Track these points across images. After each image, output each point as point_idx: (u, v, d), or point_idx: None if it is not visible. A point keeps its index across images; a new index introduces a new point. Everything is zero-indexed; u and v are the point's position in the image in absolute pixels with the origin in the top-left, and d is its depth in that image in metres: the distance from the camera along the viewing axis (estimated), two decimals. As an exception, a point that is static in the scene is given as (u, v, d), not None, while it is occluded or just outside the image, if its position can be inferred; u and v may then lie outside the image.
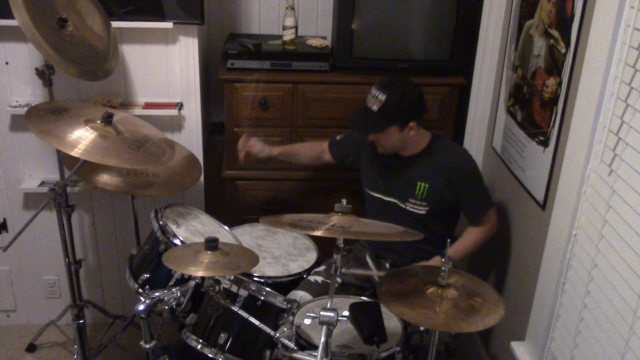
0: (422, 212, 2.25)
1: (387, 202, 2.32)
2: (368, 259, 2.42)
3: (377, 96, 2.12)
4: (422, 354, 2.05)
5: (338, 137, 2.52)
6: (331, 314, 1.63)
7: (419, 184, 2.24)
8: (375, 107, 2.12)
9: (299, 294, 2.17)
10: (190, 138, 2.67)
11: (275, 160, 2.70)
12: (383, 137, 2.21)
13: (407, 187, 2.26)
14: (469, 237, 2.29)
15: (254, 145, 2.51)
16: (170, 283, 2.11)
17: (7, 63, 2.50)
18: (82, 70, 2.14)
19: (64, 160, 2.38)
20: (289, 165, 2.76)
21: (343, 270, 2.26)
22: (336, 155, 2.53)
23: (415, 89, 2.18)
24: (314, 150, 2.57)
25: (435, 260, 2.21)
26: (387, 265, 2.38)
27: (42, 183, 2.67)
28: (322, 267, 2.32)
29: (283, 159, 2.61)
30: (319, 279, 2.24)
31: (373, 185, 2.37)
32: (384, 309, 1.84)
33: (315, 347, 1.77)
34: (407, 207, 2.27)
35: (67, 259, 2.36)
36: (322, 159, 2.57)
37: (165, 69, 2.58)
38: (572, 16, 1.90)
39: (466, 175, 2.25)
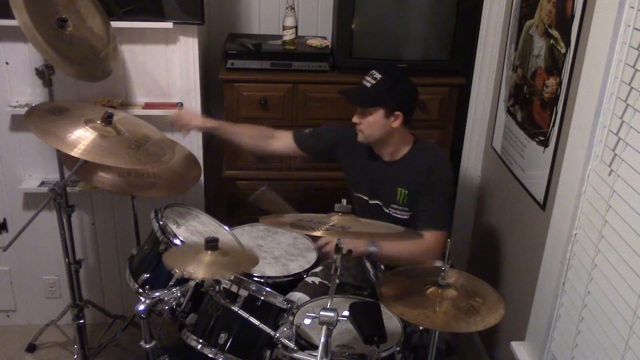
0: (405, 217, 2.24)
1: (372, 204, 2.31)
2: (364, 259, 2.41)
3: (373, 75, 2.15)
4: (422, 353, 2.05)
5: (307, 130, 2.46)
6: (331, 314, 1.63)
7: (399, 190, 2.23)
8: (368, 84, 2.15)
9: (297, 296, 2.17)
10: (190, 138, 2.67)
11: (279, 159, 2.70)
12: (367, 120, 2.17)
13: (389, 192, 2.25)
14: (405, 242, 2.11)
15: (183, 115, 2.39)
16: (170, 283, 2.11)
17: (7, 63, 2.50)
18: (82, 71, 2.14)
19: (64, 160, 2.38)
20: (289, 165, 2.76)
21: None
22: (307, 148, 2.44)
23: (410, 84, 2.20)
24: (259, 134, 2.44)
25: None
26: (382, 265, 2.37)
27: (42, 183, 2.67)
28: (319, 268, 2.31)
29: (221, 135, 2.43)
30: (316, 280, 2.24)
31: (358, 188, 2.36)
32: (384, 309, 1.83)
33: (315, 347, 1.77)
34: (390, 212, 2.26)
35: (67, 259, 2.36)
36: (269, 147, 2.45)
37: (165, 69, 2.58)
38: (572, 16, 1.90)
39: (437, 182, 2.18)
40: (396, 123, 2.17)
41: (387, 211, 2.27)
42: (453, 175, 2.25)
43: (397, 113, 2.15)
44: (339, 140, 2.40)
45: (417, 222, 2.20)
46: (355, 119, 2.22)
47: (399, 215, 2.25)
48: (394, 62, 2.68)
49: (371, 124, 2.19)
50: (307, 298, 2.15)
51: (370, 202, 2.32)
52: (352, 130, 2.25)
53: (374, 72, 2.17)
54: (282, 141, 2.46)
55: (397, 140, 2.23)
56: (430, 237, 2.13)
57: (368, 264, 2.41)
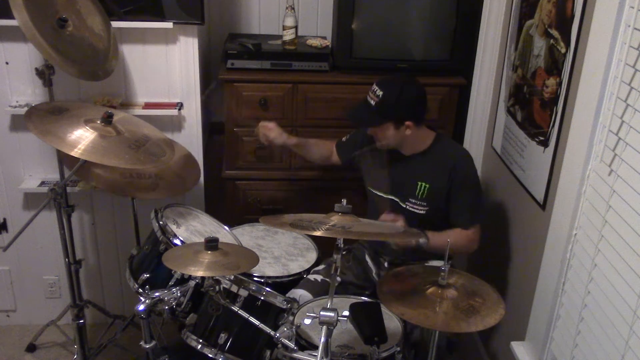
0: (421, 212, 2.25)
1: (387, 200, 2.32)
2: (367, 258, 2.42)
3: (376, 92, 2.14)
4: (422, 349, 2.05)
5: (344, 139, 2.52)
6: (331, 314, 1.63)
7: (419, 183, 2.23)
8: (372, 102, 2.15)
9: (299, 293, 2.17)
10: (190, 138, 2.67)
11: (279, 159, 2.70)
12: (380, 132, 2.22)
13: (408, 186, 2.26)
14: (452, 234, 2.18)
15: (272, 129, 2.45)
16: (170, 283, 2.11)
17: (7, 63, 2.50)
18: (82, 70, 2.14)
19: (64, 160, 2.38)
20: (289, 165, 2.76)
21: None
22: (343, 156, 2.53)
23: (415, 89, 2.17)
24: (325, 148, 2.56)
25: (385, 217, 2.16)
26: (386, 264, 2.38)
27: (42, 183, 2.67)
28: (321, 266, 2.32)
29: (296, 150, 2.57)
30: (319, 277, 2.25)
31: (374, 183, 2.36)
32: (384, 309, 1.84)
33: (315, 347, 1.77)
34: (407, 207, 2.26)
35: (67, 259, 2.36)
36: (331, 159, 2.57)
37: (165, 69, 2.58)
38: (572, 16, 1.90)
39: (466, 178, 2.23)
40: (408, 131, 2.18)
41: (404, 206, 2.27)
42: (475, 166, 2.29)
43: (407, 123, 2.16)
44: (362, 141, 2.42)
45: (458, 219, 2.23)
46: (370, 132, 2.27)
47: (415, 210, 2.25)
48: (394, 62, 2.68)
49: (384, 136, 2.22)
50: (309, 295, 2.15)
51: (386, 197, 2.32)
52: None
53: (375, 88, 2.15)
54: (334, 154, 2.56)
55: (415, 139, 2.24)
56: (472, 230, 2.23)
57: (370, 263, 2.41)
